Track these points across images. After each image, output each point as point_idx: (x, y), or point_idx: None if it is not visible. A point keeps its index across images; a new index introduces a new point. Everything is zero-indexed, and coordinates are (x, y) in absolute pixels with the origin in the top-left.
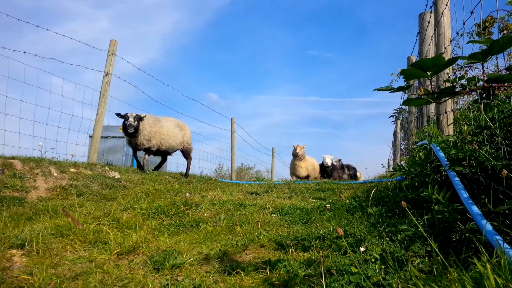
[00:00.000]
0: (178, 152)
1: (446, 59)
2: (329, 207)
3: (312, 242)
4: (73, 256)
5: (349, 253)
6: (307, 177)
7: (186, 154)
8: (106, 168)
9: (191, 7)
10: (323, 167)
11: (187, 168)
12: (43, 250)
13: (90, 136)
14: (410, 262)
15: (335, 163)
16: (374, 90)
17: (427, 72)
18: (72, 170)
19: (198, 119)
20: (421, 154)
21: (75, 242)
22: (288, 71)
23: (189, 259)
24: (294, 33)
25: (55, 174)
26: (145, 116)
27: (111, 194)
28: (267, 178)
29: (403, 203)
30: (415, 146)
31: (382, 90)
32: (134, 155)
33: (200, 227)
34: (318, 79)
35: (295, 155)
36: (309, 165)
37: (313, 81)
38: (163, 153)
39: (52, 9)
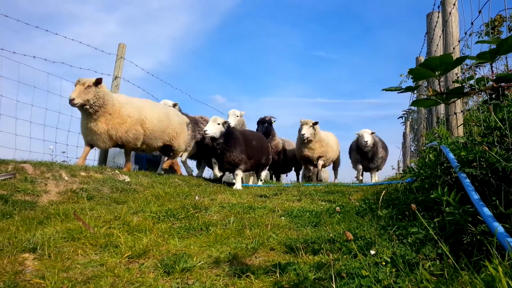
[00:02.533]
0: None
1: (454, 59)
2: (339, 210)
3: (322, 245)
4: (85, 260)
5: (359, 256)
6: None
7: None
8: (116, 171)
9: (199, 10)
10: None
11: None
12: (55, 254)
13: None
14: (421, 265)
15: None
16: (382, 90)
17: (436, 72)
18: (83, 173)
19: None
20: (431, 155)
21: (86, 245)
22: (295, 72)
23: (199, 262)
24: (301, 34)
25: (66, 178)
26: None
27: (121, 198)
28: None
29: (413, 205)
30: (425, 147)
31: (391, 90)
32: None
33: (210, 230)
34: (325, 80)
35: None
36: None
37: (321, 82)
38: None
39: (60, 14)
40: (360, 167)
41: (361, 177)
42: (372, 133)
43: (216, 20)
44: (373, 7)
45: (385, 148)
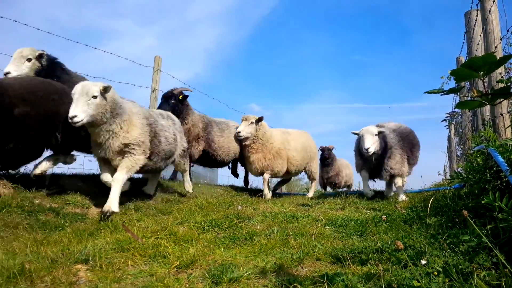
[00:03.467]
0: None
1: (498, 58)
2: (385, 218)
3: (370, 255)
4: (135, 270)
5: (409, 266)
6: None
7: None
8: (161, 182)
9: (232, 20)
10: None
11: None
12: (106, 265)
13: None
14: (475, 275)
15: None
16: (425, 92)
17: (479, 72)
18: None
19: None
20: (478, 159)
21: (136, 256)
22: (332, 77)
23: (246, 272)
24: (335, 38)
25: None
26: None
27: (166, 208)
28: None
29: (465, 212)
30: (471, 151)
31: (434, 92)
32: None
33: (254, 240)
34: (363, 85)
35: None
36: None
37: (358, 87)
38: None
39: (99, 29)
40: (366, 174)
41: (371, 191)
42: (380, 132)
43: (249, 30)
44: (408, 9)
45: (406, 149)
